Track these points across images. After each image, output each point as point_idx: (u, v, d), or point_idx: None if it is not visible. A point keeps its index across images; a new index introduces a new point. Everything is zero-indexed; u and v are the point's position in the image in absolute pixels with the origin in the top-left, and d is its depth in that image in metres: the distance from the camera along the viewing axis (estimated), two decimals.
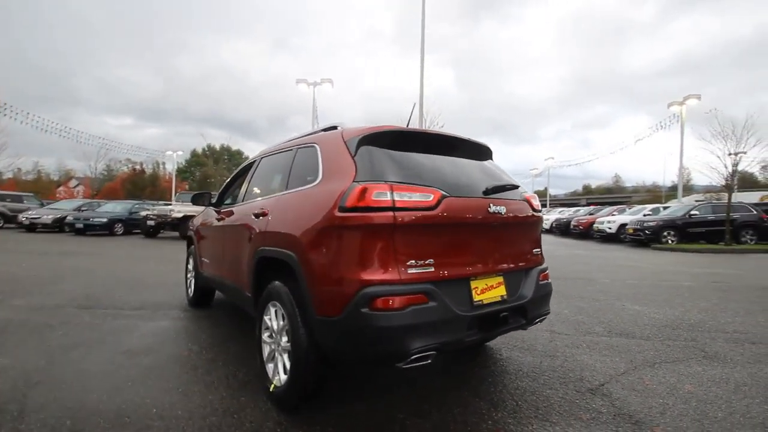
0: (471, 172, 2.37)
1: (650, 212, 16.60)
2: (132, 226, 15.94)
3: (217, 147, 52.91)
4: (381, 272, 1.81)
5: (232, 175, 4.02)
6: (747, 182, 28.40)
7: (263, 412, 2.17)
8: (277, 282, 2.28)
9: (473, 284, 2.09)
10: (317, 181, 2.21)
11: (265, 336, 2.45)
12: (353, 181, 1.94)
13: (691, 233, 13.81)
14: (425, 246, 1.92)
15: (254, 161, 3.44)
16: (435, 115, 17.42)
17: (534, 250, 2.51)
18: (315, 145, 2.43)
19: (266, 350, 2.42)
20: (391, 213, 1.83)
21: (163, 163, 48.37)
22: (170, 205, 16.28)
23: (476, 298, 2.07)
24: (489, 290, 2.15)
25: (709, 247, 12.82)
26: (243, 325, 3.78)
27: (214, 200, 4.01)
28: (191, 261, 4.58)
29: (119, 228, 15.45)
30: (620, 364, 2.95)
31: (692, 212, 14.24)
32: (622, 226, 15.69)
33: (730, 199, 13.77)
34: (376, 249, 1.83)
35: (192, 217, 15.13)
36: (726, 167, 13.96)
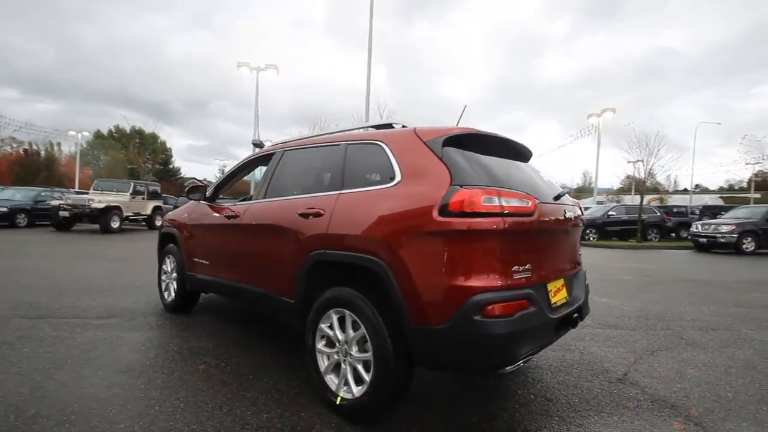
0: (532, 176, 2.42)
1: None
2: (38, 217, 13.69)
3: (128, 129, 47.22)
4: (491, 278, 1.79)
5: (233, 168, 3.64)
6: (638, 187, 33.00)
7: (337, 427, 2.02)
8: (346, 288, 2.13)
9: (548, 287, 2.15)
10: (395, 182, 2.10)
11: (321, 345, 2.27)
12: (451, 185, 1.88)
13: (608, 231, 15.72)
14: (524, 251, 1.93)
15: (271, 154, 3.16)
16: (392, 110, 17.57)
17: (580, 252, 2.66)
18: (380, 143, 2.30)
19: (324, 361, 2.26)
20: (500, 218, 1.81)
21: (58, 145, 42.02)
22: (87, 193, 14.27)
23: (552, 300, 2.14)
24: (558, 293, 2.23)
25: (623, 244, 14.70)
26: (246, 331, 3.47)
27: (208, 194, 3.61)
28: (169, 262, 4.07)
29: (22, 219, 13.18)
30: (627, 354, 3.26)
31: (610, 213, 16.21)
32: None
33: (642, 201, 15.93)
34: (485, 255, 1.80)
35: (115, 208, 13.61)
36: (638, 173, 16.08)
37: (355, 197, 2.24)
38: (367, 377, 2.01)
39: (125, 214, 13.89)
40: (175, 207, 18.93)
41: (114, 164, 40.16)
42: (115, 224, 13.28)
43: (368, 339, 2.00)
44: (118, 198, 13.87)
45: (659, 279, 7.24)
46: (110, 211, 13.14)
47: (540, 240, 2.09)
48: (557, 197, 2.33)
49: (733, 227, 12.17)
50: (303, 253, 2.37)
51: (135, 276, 5.76)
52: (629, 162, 16.20)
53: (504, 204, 1.83)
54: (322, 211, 2.34)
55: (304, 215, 2.44)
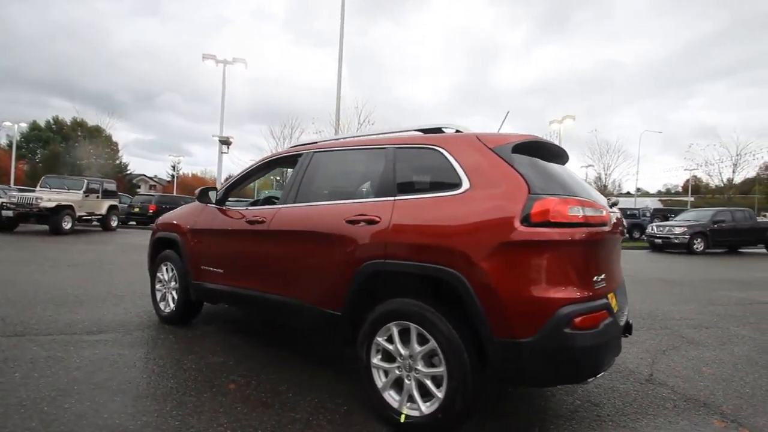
0: (583, 183, 2.44)
1: None
2: None
3: (68, 121, 43.37)
4: (577, 289, 1.78)
5: (246, 171, 3.40)
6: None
7: None
8: (412, 300, 2.03)
9: (609, 296, 2.17)
10: (463, 189, 2.03)
11: (376, 360, 2.16)
12: (530, 194, 1.84)
13: None
14: (600, 261, 1.93)
15: (296, 156, 2.97)
16: (369, 111, 17.51)
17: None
18: (438, 148, 2.22)
19: (381, 377, 2.15)
20: (585, 228, 1.81)
21: None
22: (33, 191, 12.94)
23: (615, 309, 2.16)
24: (612, 300, 2.26)
25: None
26: (263, 344, 3.25)
27: (219, 197, 3.34)
28: (166, 269, 3.74)
29: None
30: (642, 354, 3.39)
31: None
32: None
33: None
34: (570, 265, 1.79)
35: (67, 207, 12.44)
36: (600, 179, 17.10)
37: (417, 204, 2.14)
38: (438, 393, 1.93)
39: (78, 213, 12.74)
40: (130, 206, 17.74)
41: (53, 158, 36.87)
42: (67, 225, 12.14)
43: (440, 353, 1.91)
44: (70, 197, 12.69)
45: (637, 279, 7.68)
46: (61, 210, 11.98)
47: (606, 249, 2.10)
48: (612, 206, 2.37)
49: (685, 229, 13.23)
50: (355, 262, 2.24)
51: (109, 284, 5.26)
52: (581, 167, 17.23)
53: (588, 214, 1.82)
54: (377, 218, 2.22)
55: (354, 222, 2.30)
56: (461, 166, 2.09)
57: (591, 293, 1.81)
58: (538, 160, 2.10)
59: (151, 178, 60.63)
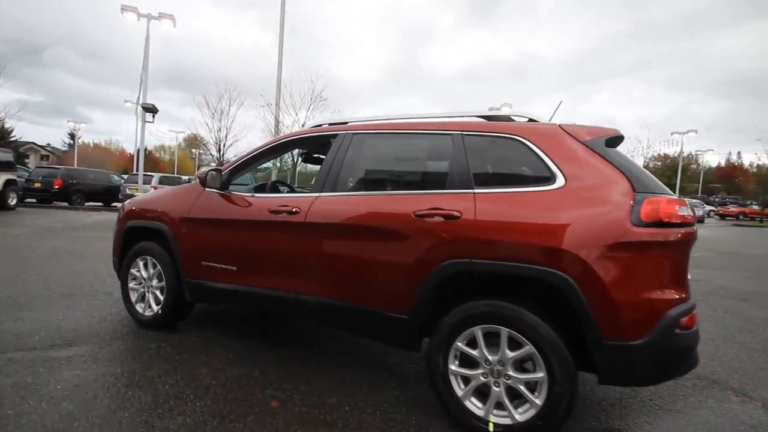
0: None
1: None
2: None
3: None
4: (680, 290, 1.81)
5: (256, 151, 2.92)
6: None
7: None
8: (504, 303, 1.89)
9: None
10: (559, 184, 1.91)
11: (455, 366, 2.01)
12: (635, 191, 1.79)
13: None
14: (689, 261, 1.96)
15: (330, 136, 2.61)
16: (324, 85, 16.61)
17: None
18: (521, 138, 2.06)
19: (460, 384, 2.00)
20: (687, 228, 1.81)
21: None
22: None
23: None
24: None
25: None
26: (275, 347, 2.90)
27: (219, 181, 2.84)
28: (144, 265, 3.15)
29: None
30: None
31: None
32: None
33: None
34: (675, 265, 1.80)
35: (12, 182, 10.07)
36: None
37: (505, 198, 1.98)
38: (536, 399, 1.84)
39: None
40: (29, 180, 14.90)
41: None
42: None
43: (539, 358, 1.81)
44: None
45: None
46: (8, 186, 9.73)
47: None
48: None
49: None
50: (430, 262, 2.03)
51: (44, 279, 4.35)
52: None
53: (688, 213, 1.82)
54: (457, 213, 2.01)
55: (426, 216, 2.07)
56: (552, 159, 1.97)
57: (688, 293, 1.83)
58: (623, 154, 2.05)
59: (42, 147, 51.78)
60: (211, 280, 2.80)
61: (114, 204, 16.54)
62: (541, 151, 2.00)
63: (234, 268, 2.70)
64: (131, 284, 3.23)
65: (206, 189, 2.91)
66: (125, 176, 19.35)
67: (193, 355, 2.68)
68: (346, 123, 2.71)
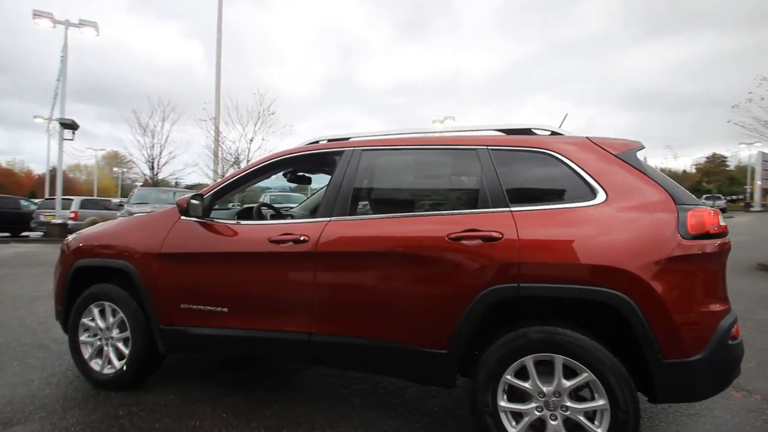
0: None
1: None
2: None
3: None
4: (725, 300, 1.83)
5: (244, 172, 2.56)
6: None
7: None
8: (556, 329, 1.76)
9: None
10: (601, 200, 1.84)
11: (504, 403, 1.83)
12: (677, 204, 1.78)
13: None
14: None
15: (333, 154, 2.35)
16: (272, 99, 15.90)
17: None
18: (552, 152, 1.98)
19: (511, 422, 1.83)
20: (726, 238, 1.83)
21: None
22: None
23: None
24: None
25: None
26: (281, 393, 2.52)
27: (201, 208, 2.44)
28: (99, 312, 2.62)
29: None
30: None
31: None
32: None
33: None
34: (719, 276, 1.82)
35: None
36: None
37: (546, 216, 1.87)
38: (597, 429, 1.71)
39: None
40: None
41: None
42: None
43: (599, 384, 1.70)
44: None
45: None
46: None
47: None
48: None
49: None
50: (473, 289, 1.85)
51: None
52: None
53: (725, 223, 1.84)
54: (497, 234, 1.86)
55: (463, 238, 1.89)
56: (589, 174, 1.90)
57: (730, 303, 1.84)
58: (651, 166, 2.05)
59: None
60: (195, 326, 2.37)
61: (24, 234, 14.37)
62: (576, 165, 1.93)
63: (225, 309, 2.30)
64: (83, 336, 2.66)
65: (182, 218, 2.49)
66: (37, 201, 16.97)
67: (177, 420, 2.22)
68: (347, 139, 2.47)
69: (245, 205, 3.06)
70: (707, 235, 1.74)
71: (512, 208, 1.92)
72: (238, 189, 2.63)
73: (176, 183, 22.63)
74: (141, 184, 24.88)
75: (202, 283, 2.37)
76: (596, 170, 1.90)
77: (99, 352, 2.63)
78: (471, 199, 2.05)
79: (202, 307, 2.35)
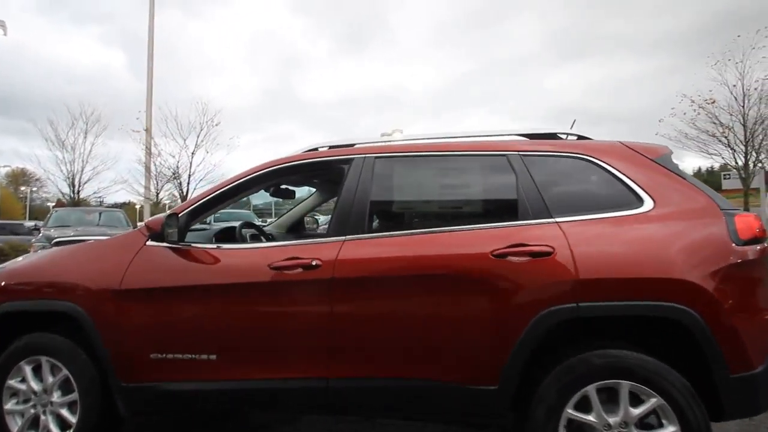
0: None
1: None
2: None
3: None
4: None
5: (228, 185, 2.12)
6: None
7: None
8: (621, 352, 1.59)
9: None
10: (649, 207, 1.72)
11: None
12: (721, 209, 1.72)
13: None
14: None
15: (339, 162, 2.03)
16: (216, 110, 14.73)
17: None
18: (592, 157, 1.83)
19: None
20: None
21: None
22: None
23: None
24: None
25: None
26: None
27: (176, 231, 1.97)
28: (32, 373, 2.02)
29: None
30: None
31: None
32: None
33: None
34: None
35: None
36: None
37: (597, 225, 1.71)
38: None
39: None
40: None
41: None
42: None
43: (669, 409, 1.54)
44: None
45: None
46: None
47: None
48: None
49: None
50: (526, 312, 1.63)
51: None
52: None
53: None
54: (548, 248, 1.66)
55: (509, 254, 1.67)
56: (632, 180, 1.78)
57: None
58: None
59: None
60: (172, 381, 1.89)
61: None
62: (617, 170, 1.80)
63: (214, 356, 1.85)
64: (9, 404, 2.05)
65: (149, 243, 2.01)
66: None
67: None
68: (352, 145, 2.16)
69: (220, 226, 2.60)
70: (756, 240, 1.69)
71: (557, 219, 1.73)
72: (220, 205, 2.20)
73: (101, 202, 20.15)
74: (54, 204, 21.91)
75: (181, 325, 1.91)
76: (638, 176, 1.79)
77: (33, 424, 2.02)
78: (508, 210, 1.84)
79: (180, 355, 1.88)
